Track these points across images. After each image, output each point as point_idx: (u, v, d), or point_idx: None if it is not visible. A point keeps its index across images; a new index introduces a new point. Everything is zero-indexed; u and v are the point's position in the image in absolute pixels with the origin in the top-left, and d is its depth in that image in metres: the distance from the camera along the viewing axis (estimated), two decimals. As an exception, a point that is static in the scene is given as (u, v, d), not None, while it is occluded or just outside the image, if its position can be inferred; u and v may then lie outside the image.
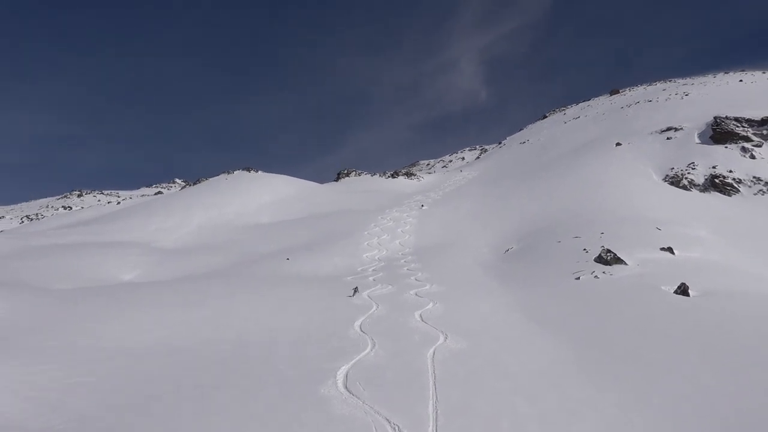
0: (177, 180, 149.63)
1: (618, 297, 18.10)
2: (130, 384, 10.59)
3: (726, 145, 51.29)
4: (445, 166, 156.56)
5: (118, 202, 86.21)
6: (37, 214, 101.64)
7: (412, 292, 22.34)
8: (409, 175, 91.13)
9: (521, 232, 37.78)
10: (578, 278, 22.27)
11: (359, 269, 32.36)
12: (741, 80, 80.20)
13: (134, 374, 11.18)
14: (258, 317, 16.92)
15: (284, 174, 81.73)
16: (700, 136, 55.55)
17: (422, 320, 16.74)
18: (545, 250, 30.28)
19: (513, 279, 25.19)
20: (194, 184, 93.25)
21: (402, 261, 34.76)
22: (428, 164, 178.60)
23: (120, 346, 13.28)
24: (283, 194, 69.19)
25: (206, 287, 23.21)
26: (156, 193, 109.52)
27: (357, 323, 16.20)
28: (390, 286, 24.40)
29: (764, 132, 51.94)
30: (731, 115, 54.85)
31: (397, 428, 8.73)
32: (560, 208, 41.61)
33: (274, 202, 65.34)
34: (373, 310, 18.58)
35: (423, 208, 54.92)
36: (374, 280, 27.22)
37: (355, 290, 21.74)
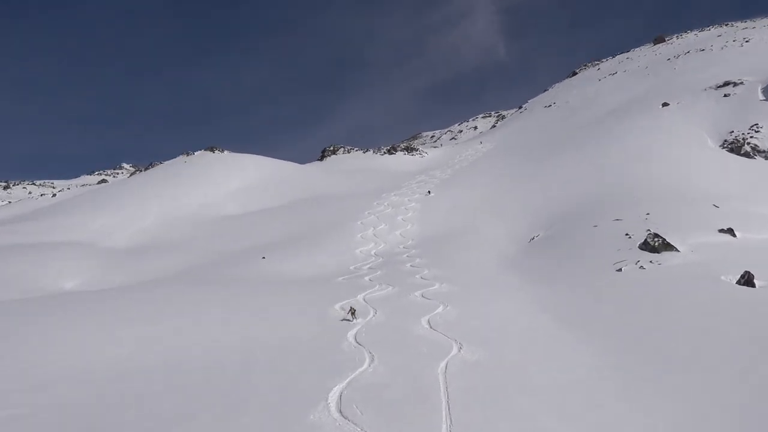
0: (125, 165, 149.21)
1: (669, 291, 18.16)
2: (77, 416, 10.49)
3: (797, 102, 51.31)
4: (454, 138, 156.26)
5: (54, 194, 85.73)
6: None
7: (417, 294, 22.38)
8: (409, 150, 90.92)
9: (548, 217, 37.76)
10: (620, 270, 22.38)
11: (352, 268, 32.36)
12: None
13: (81, 404, 11.09)
14: (231, 330, 16.94)
15: (257, 154, 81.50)
16: (765, 91, 55.52)
17: (430, 327, 16.76)
18: (578, 237, 30.35)
19: (539, 274, 25.23)
20: (146, 169, 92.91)
21: (404, 256, 34.82)
22: (433, 136, 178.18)
23: (63, 369, 13.21)
24: (256, 178, 69.12)
25: (166, 296, 23.11)
26: (100, 182, 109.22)
27: (351, 333, 16.22)
28: (390, 287, 24.42)
29: (843, 84, 51.94)
30: (802, 64, 54.85)
31: (403, 460, 8.76)
32: (596, 185, 41.58)
33: (245, 189, 65.17)
34: (370, 316, 18.55)
35: (430, 194, 55.06)
36: (371, 280, 27.21)
37: (352, 312, 18.61)
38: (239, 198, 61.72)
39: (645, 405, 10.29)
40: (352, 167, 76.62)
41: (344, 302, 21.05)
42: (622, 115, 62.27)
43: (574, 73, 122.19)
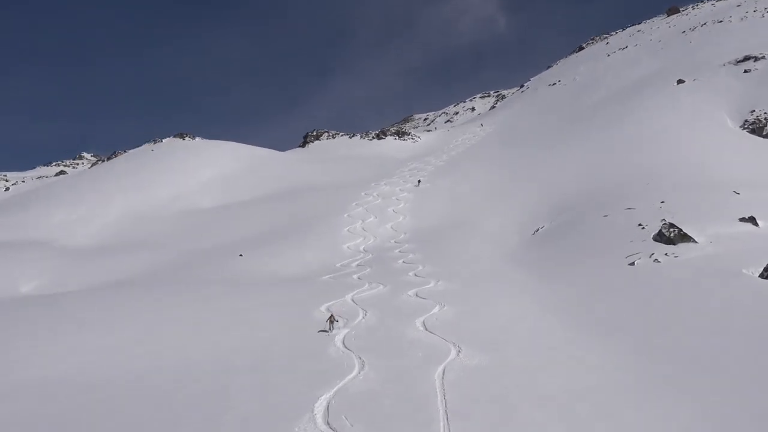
0: (85, 155, 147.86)
1: (686, 286, 18.20)
2: (43, 430, 10.41)
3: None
4: (449, 121, 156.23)
5: (7, 188, 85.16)
6: None
7: (410, 293, 22.39)
8: (400, 134, 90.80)
9: (554, 206, 37.80)
10: (632, 264, 22.44)
11: (339, 265, 32.40)
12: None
13: (40, 417, 11.00)
14: (206, 336, 16.86)
15: (232, 141, 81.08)
16: (789, 66, 55.68)
17: (426, 329, 16.75)
18: (587, 227, 30.40)
19: (545, 269, 25.26)
20: (109, 159, 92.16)
21: (396, 251, 34.86)
22: (426, 119, 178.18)
23: (22, 380, 13.13)
24: (232, 168, 68.84)
25: (135, 299, 22.97)
26: (58, 174, 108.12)
27: (338, 338, 16.23)
28: (381, 286, 24.43)
29: None
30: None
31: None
32: (605, 170, 41.59)
33: (220, 179, 64.94)
34: (360, 318, 18.49)
35: (420, 185, 55.19)
36: (360, 278, 27.30)
37: (331, 321, 17.60)
38: (213, 189, 61.52)
39: (662, 413, 10.28)
40: (337, 154, 76.42)
41: (331, 303, 20.96)
42: (633, 94, 62.39)
43: (581, 48, 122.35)
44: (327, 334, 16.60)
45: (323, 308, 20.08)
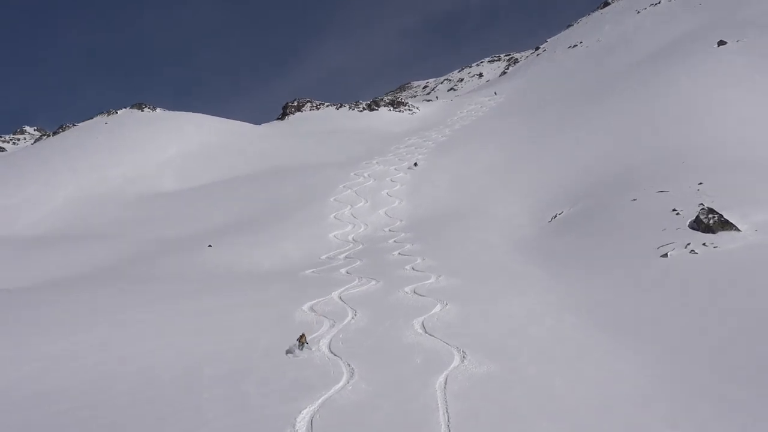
0: (28, 129, 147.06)
1: (728, 282, 18.15)
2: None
3: None
4: (453, 89, 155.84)
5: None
6: None
7: (407, 289, 22.36)
8: (396, 104, 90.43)
9: (575, 188, 37.80)
10: (665, 255, 22.38)
11: (324, 257, 32.50)
12: None
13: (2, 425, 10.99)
14: (171, 342, 16.82)
15: (200, 112, 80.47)
16: None
17: (425, 332, 16.73)
18: (612, 214, 30.35)
19: (564, 262, 25.24)
20: (55, 133, 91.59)
21: (390, 241, 34.86)
22: (426, 86, 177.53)
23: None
24: (199, 144, 68.73)
25: (89, 297, 22.79)
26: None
27: (324, 342, 16.18)
28: (373, 281, 24.44)
29: None
30: None
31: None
32: (634, 147, 41.55)
33: (185, 157, 64.83)
34: (348, 319, 18.46)
35: (416, 167, 54.98)
36: (348, 272, 27.27)
37: (301, 341, 15.96)
38: (177, 169, 61.42)
39: (707, 429, 10.25)
40: (322, 127, 76.12)
41: (314, 302, 20.91)
42: (666, 58, 62.26)
43: (606, 4, 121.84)
44: (292, 356, 15.15)
45: (306, 308, 20.01)
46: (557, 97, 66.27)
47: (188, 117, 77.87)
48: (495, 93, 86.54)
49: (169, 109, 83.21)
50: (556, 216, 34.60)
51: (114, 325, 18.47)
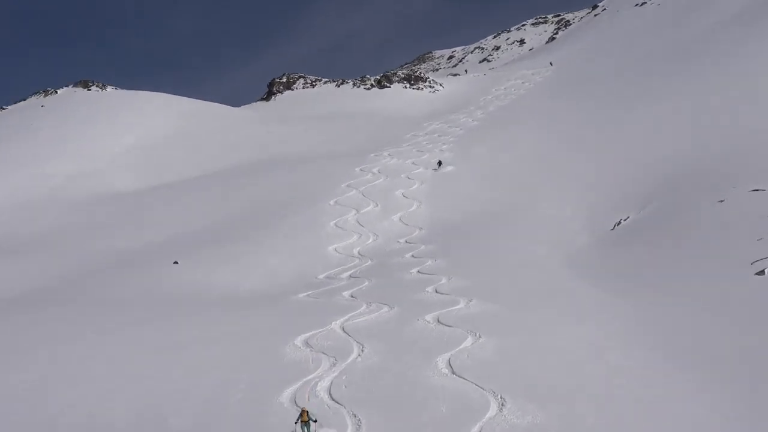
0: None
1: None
2: None
3: None
4: (486, 60, 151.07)
5: None
6: None
7: (429, 318, 20.36)
8: (413, 80, 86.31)
9: (644, 185, 35.43)
10: (762, 272, 20.07)
11: (322, 276, 30.87)
12: None
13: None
14: (125, 382, 14.98)
15: (163, 92, 76.32)
16: None
17: (453, 372, 15.06)
18: (692, 219, 28.11)
19: (630, 281, 22.91)
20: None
21: (407, 256, 32.80)
22: (451, 56, 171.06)
23: None
24: (162, 132, 64.37)
25: (22, 327, 20.56)
26: None
27: (322, 385, 14.34)
28: (385, 307, 22.56)
29: None
30: None
31: None
32: (718, 134, 38.45)
33: (145, 149, 60.88)
34: (353, 356, 16.65)
35: (440, 168, 50.24)
36: (353, 296, 25.53)
37: (304, 420, 13.39)
38: (135, 164, 58.00)
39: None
40: (318, 110, 74.18)
41: (309, 334, 18.76)
42: (760, 18, 57.28)
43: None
44: None
45: (299, 341, 17.88)
46: (619, 70, 62.53)
47: (148, 97, 75.80)
48: (551, 63, 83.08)
49: (123, 88, 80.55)
50: (620, 222, 32.63)
51: (54, 362, 16.33)
